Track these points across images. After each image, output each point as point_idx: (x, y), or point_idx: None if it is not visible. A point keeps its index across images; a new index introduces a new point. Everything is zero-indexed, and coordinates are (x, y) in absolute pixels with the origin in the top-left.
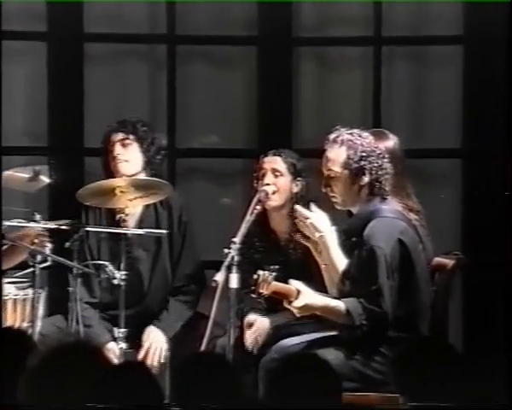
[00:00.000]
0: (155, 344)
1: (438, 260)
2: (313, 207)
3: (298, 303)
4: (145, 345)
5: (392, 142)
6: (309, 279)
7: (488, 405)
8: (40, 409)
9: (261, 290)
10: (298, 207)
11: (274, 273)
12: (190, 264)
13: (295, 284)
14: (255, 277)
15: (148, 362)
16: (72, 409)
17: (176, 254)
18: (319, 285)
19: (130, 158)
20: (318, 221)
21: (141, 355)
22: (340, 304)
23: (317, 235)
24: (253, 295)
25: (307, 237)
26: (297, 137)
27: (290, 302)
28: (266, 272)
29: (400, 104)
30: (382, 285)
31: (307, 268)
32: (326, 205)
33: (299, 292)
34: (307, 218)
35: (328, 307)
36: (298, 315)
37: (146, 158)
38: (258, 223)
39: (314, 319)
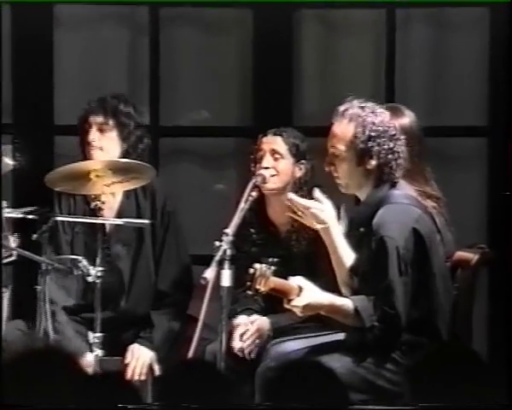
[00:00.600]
0: (141, 360)
1: (460, 254)
2: (316, 192)
3: (299, 302)
4: (130, 363)
5: (407, 119)
6: (314, 276)
7: (488, 405)
8: (40, 409)
9: (258, 287)
10: (292, 196)
11: (273, 267)
12: (175, 265)
13: (296, 281)
14: (251, 271)
15: (134, 380)
16: (72, 409)
17: (158, 252)
18: (327, 283)
19: (105, 146)
20: (321, 211)
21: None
22: (347, 303)
23: (320, 227)
24: (249, 292)
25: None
26: (298, 114)
27: (290, 301)
28: (264, 265)
29: (417, 75)
30: (394, 282)
31: (312, 264)
32: (333, 192)
33: (300, 289)
34: (307, 208)
35: (334, 306)
36: (300, 315)
37: (125, 147)
38: (254, 212)
39: (317, 320)
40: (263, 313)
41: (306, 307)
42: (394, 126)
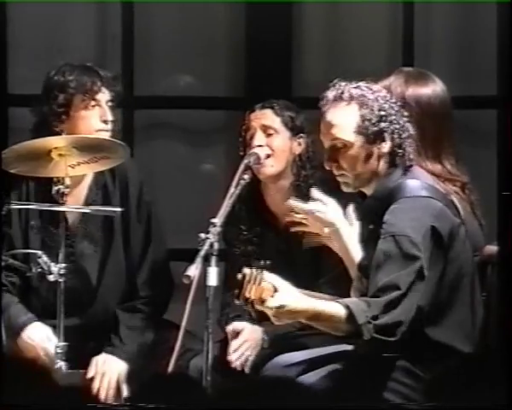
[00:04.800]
0: (107, 377)
1: (490, 248)
2: (315, 193)
3: (272, 303)
4: (94, 379)
5: (431, 88)
6: (321, 275)
7: (488, 405)
8: (40, 409)
9: (248, 295)
10: (293, 203)
11: (265, 272)
12: (154, 266)
13: (271, 279)
14: (240, 277)
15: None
16: (73, 408)
17: (136, 250)
18: (337, 282)
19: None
20: (325, 213)
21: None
22: (336, 306)
23: (328, 230)
24: (237, 302)
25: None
26: (298, 82)
27: (263, 302)
28: (254, 269)
29: (440, 37)
30: (402, 286)
31: (319, 261)
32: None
33: (275, 289)
34: (310, 212)
35: (316, 311)
36: (274, 321)
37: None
38: (247, 198)
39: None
40: (256, 321)
41: (280, 310)
42: (395, 101)
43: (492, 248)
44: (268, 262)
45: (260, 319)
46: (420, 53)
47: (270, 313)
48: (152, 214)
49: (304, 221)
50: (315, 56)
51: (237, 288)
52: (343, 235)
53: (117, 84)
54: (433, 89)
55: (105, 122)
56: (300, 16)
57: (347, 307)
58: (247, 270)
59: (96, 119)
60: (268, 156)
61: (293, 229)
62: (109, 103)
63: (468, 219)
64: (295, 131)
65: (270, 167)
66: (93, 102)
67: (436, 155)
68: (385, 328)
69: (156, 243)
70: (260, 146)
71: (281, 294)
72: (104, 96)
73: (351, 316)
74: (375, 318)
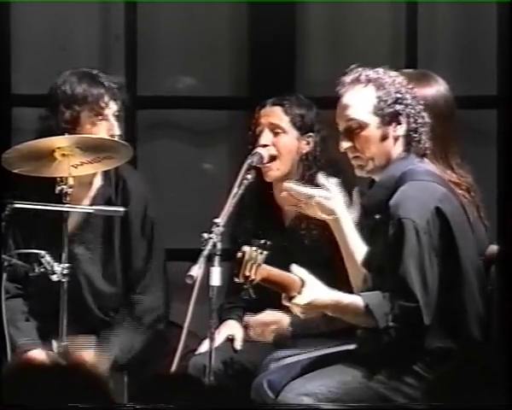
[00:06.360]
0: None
1: (493, 248)
2: (320, 178)
3: (301, 299)
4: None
5: (435, 89)
6: (326, 273)
7: (488, 405)
8: (40, 409)
9: (248, 274)
10: (290, 185)
11: (265, 252)
12: (154, 278)
13: (298, 273)
14: (239, 255)
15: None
16: (72, 409)
17: (137, 263)
18: (340, 280)
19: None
20: (327, 199)
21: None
22: (357, 300)
23: (327, 218)
24: (237, 280)
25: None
26: (302, 81)
27: (291, 298)
28: (254, 248)
29: (442, 38)
30: (413, 272)
31: (323, 258)
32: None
33: (303, 283)
34: (310, 196)
35: (341, 304)
36: (301, 316)
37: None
38: (256, 192)
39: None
40: (256, 308)
41: (309, 305)
42: (412, 88)
43: (495, 249)
44: (268, 242)
45: (263, 303)
46: (422, 53)
47: (297, 309)
48: (155, 230)
49: (303, 205)
50: (318, 56)
51: (237, 266)
52: (343, 225)
53: (122, 93)
54: (436, 89)
55: (112, 137)
56: (304, 16)
57: (367, 308)
58: (246, 248)
59: (104, 133)
60: (273, 158)
61: (288, 207)
62: (116, 113)
63: (475, 222)
64: (304, 129)
65: (276, 171)
66: (100, 117)
67: (443, 154)
68: (402, 332)
69: (157, 258)
70: (266, 145)
71: (308, 288)
72: (111, 109)
73: (371, 317)
74: (395, 319)
